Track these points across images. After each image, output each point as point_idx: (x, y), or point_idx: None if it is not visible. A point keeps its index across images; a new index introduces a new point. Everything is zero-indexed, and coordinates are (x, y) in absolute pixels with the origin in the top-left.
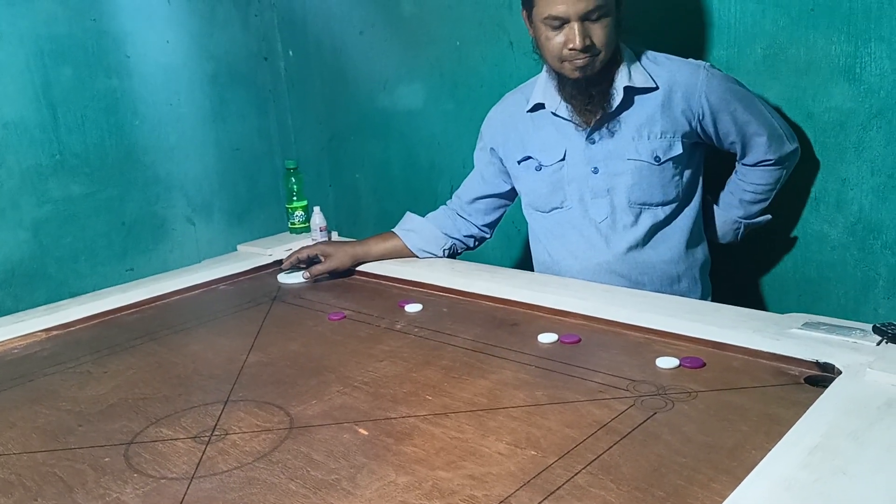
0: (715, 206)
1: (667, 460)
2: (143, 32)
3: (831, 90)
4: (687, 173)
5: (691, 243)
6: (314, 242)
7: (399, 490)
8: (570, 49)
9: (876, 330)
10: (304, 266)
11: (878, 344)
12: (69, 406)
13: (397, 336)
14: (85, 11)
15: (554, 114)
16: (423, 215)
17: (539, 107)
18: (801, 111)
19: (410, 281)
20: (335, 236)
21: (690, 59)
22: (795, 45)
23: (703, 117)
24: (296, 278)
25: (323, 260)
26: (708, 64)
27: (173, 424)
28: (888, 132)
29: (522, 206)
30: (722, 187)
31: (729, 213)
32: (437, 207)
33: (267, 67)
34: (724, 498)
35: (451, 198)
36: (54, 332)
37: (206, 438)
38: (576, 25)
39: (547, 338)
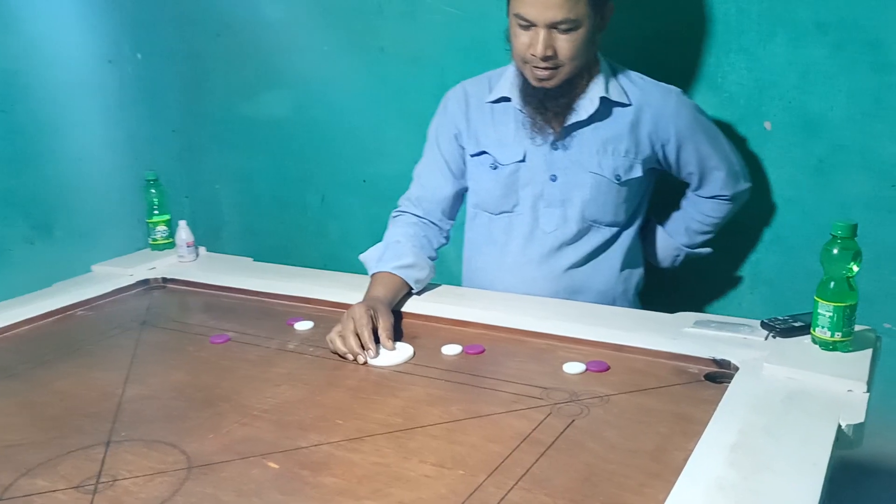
0: (660, 229)
1: (595, 468)
2: None
3: (695, 98)
4: (638, 198)
5: (626, 265)
6: (348, 320)
7: None
8: (532, 54)
9: (764, 325)
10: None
11: (766, 338)
12: None
13: (292, 357)
14: None
15: (521, 111)
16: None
17: (504, 100)
18: None
19: (297, 297)
20: (203, 252)
21: (662, 83)
22: (661, 55)
23: (667, 143)
24: (394, 357)
25: (375, 320)
26: (679, 90)
27: (50, 474)
28: (748, 138)
29: (468, 206)
30: (668, 212)
31: (673, 238)
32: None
33: (112, 71)
34: (659, 503)
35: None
36: None
37: (92, 487)
38: (542, 32)
39: (451, 349)
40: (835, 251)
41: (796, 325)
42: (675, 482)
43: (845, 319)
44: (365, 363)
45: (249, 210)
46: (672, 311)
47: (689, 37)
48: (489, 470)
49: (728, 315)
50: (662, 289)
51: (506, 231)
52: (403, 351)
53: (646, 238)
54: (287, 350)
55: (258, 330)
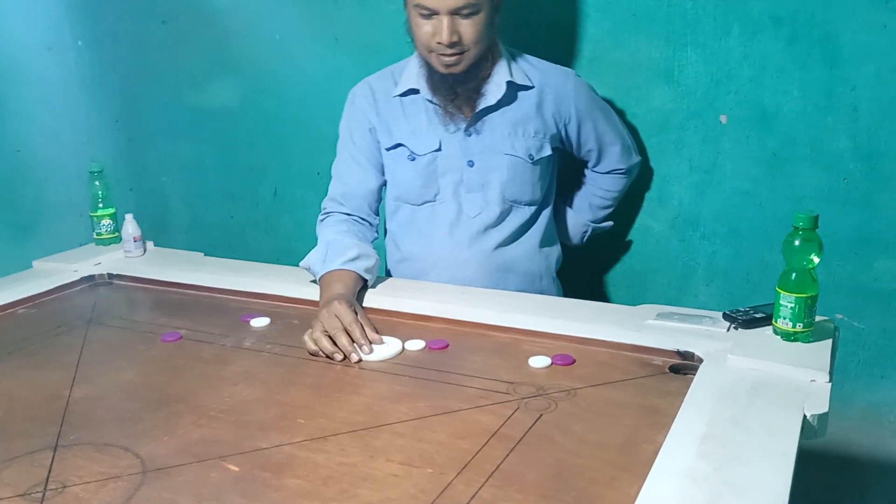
0: (568, 209)
1: (566, 463)
2: None
3: (652, 92)
4: (548, 178)
5: (544, 243)
6: (331, 317)
7: None
8: (438, 42)
9: (726, 317)
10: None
11: (729, 330)
12: None
13: (248, 354)
14: None
15: (430, 101)
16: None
17: (412, 92)
18: (625, 112)
19: (251, 293)
20: (150, 246)
21: (557, 65)
22: (618, 49)
23: (568, 122)
24: (383, 352)
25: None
26: (574, 71)
27: None
28: (704, 131)
29: (388, 200)
30: (572, 193)
31: (579, 216)
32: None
33: (53, 59)
34: (631, 497)
35: (327, 205)
36: None
37: (40, 494)
38: (444, 19)
39: (414, 345)
40: (796, 242)
41: (758, 316)
42: (645, 475)
43: (807, 310)
44: (359, 361)
45: (198, 203)
46: (630, 304)
47: (646, 30)
48: (458, 467)
49: (685, 307)
50: (624, 281)
51: (430, 220)
52: (393, 345)
53: (556, 219)
54: (243, 347)
55: (211, 327)
